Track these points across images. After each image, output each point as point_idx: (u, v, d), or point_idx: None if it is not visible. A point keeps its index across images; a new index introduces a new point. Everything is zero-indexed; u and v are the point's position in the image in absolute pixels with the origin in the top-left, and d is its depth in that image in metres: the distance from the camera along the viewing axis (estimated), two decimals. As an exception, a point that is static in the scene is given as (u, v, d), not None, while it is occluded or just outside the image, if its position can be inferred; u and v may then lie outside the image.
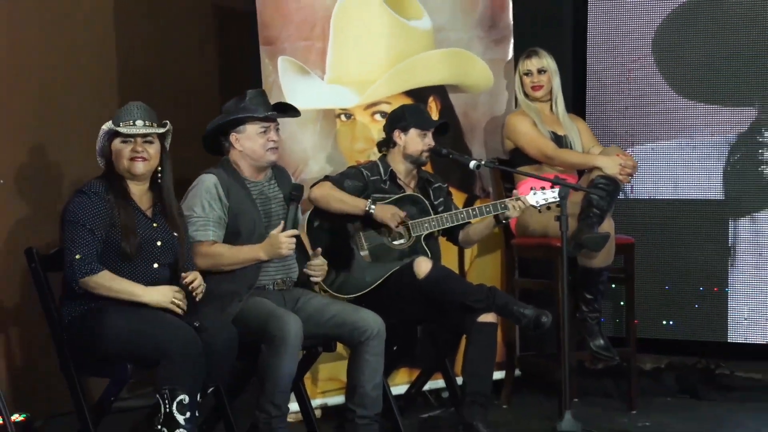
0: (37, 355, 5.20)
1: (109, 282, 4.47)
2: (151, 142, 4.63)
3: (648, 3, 6.67)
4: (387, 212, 5.39)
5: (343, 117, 5.95)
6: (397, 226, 5.42)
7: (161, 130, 4.63)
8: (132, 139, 4.59)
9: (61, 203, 4.65)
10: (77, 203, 4.53)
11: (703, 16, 6.61)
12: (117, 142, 4.60)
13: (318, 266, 5.06)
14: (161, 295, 4.50)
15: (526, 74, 6.11)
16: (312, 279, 5.06)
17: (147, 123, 4.59)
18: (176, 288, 4.53)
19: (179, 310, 4.49)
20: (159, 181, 4.67)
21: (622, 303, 6.25)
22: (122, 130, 4.56)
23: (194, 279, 4.56)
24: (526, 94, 6.12)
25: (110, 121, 4.59)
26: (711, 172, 6.64)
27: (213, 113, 5.14)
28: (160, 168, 4.67)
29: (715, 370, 6.63)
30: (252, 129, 5.01)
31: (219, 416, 4.97)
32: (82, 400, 4.62)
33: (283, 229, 4.87)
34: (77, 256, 4.45)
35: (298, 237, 4.95)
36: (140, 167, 4.60)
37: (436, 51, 6.18)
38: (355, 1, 5.98)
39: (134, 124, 4.57)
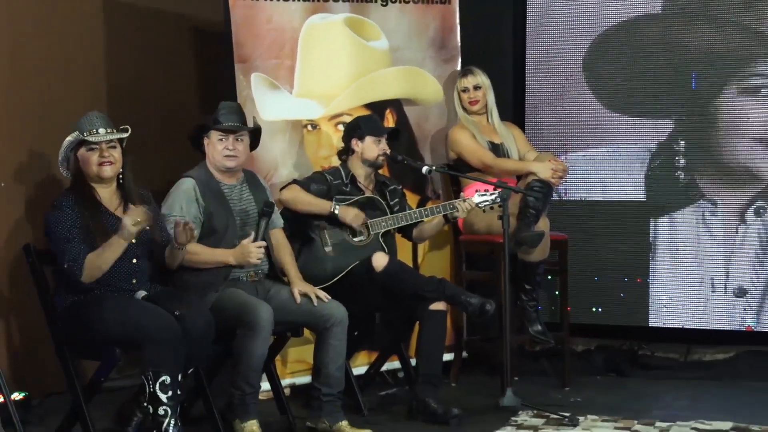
0: (35, 339, 5.16)
1: (98, 260, 4.42)
2: (114, 147, 4.60)
3: (578, 28, 6.70)
4: (350, 214, 5.38)
5: (309, 127, 5.93)
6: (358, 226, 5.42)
7: (123, 135, 4.61)
8: (97, 146, 4.55)
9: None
10: (53, 219, 4.51)
11: (626, 39, 6.64)
12: (83, 151, 4.57)
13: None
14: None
15: (464, 91, 6.11)
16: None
17: (108, 130, 4.56)
18: None
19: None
20: (121, 181, 4.63)
21: (556, 292, 6.27)
22: (90, 138, 4.52)
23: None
24: (464, 109, 6.11)
25: (74, 133, 4.55)
26: (634, 177, 6.68)
27: (191, 123, 5.12)
28: (121, 169, 4.64)
29: (637, 351, 6.66)
30: (214, 136, 5.00)
31: (198, 394, 4.95)
32: (75, 381, 4.60)
33: (254, 240, 4.86)
34: (65, 266, 4.44)
35: (266, 248, 4.96)
36: (108, 171, 4.58)
37: (392, 68, 6.18)
38: (320, 24, 5.97)
39: (98, 132, 4.54)
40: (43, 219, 4.56)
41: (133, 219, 4.39)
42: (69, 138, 4.56)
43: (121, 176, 4.64)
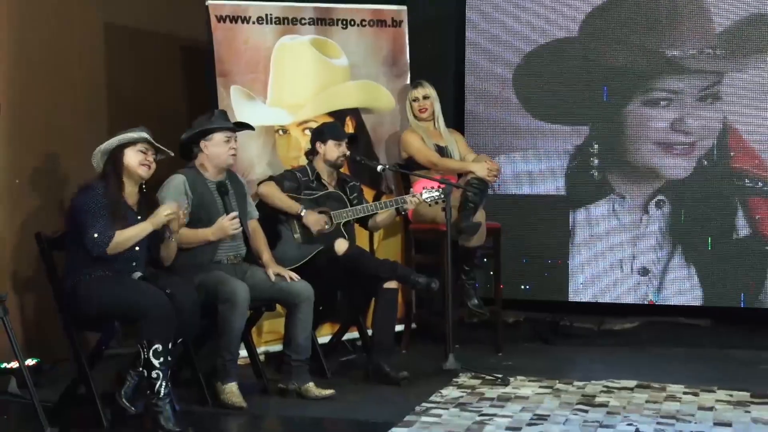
0: (45, 314, 5.13)
1: (123, 236, 4.43)
2: (154, 156, 4.60)
3: (509, 48, 6.73)
4: (312, 219, 5.36)
5: (280, 132, 5.92)
6: (322, 212, 5.40)
7: (170, 153, 4.64)
8: (145, 150, 4.55)
9: (63, 199, 4.60)
10: (85, 195, 4.47)
11: (549, 58, 6.69)
12: (133, 150, 4.53)
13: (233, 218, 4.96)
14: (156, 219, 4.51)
15: (414, 100, 6.12)
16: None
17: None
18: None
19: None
20: (143, 187, 4.63)
21: (491, 272, 6.26)
22: (158, 146, 4.55)
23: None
24: (415, 116, 6.13)
25: (131, 133, 4.53)
26: (556, 175, 6.73)
27: (181, 130, 5.09)
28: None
29: (559, 322, 6.68)
30: (219, 137, 4.96)
31: (186, 361, 4.94)
32: (80, 349, 4.57)
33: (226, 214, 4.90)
34: (95, 235, 4.40)
35: (244, 235, 4.98)
36: (146, 172, 4.57)
37: (351, 82, 6.17)
38: (290, 44, 5.96)
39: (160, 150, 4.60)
40: (73, 200, 4.51)
41: (168, 209, 4.48)
42: (127, 135, 4.53)
43: (143, 183, 4.63)
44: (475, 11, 6.77)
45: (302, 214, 5.35)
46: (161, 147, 4.59)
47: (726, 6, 6.41)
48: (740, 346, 6.16)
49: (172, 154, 4.66)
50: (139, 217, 4.55)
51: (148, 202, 4.62)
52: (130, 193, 4.59)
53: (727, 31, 6.41)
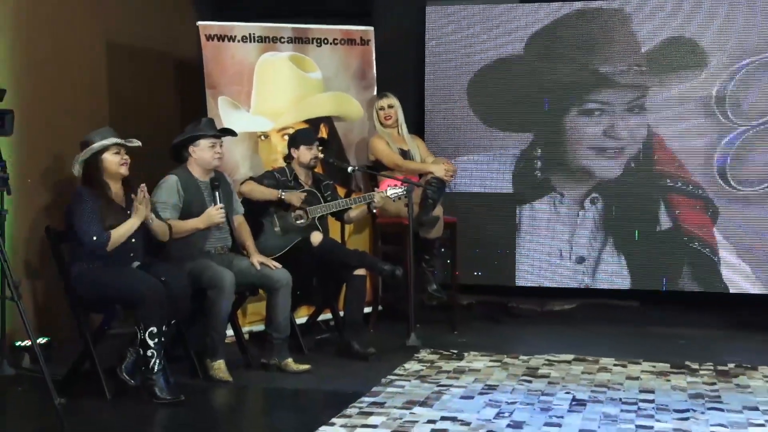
0: (54, 298, 5.09)
1: (117, 234, 4.41)
2: (127, 153, 4.54)
3: (464, 63, 6.74)
4: (293, 196, 5.36)
5: (262, 137, 5.89)
6: (299, 209, 5.39)
7: (140, 144, 4.54)
8: (119, 151, 4.50)
9: (69, 196, 4.57)
10: (77, 201, 4.42)
11: (498, 73, 6.70)
12: (109, 155, 4.48)
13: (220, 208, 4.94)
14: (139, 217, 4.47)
15: (381, 109, 6.11)
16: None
17: (125, 139, 4.52)
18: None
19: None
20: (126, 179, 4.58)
21: (448, 261, 6.28)
22: (128, 144, 4.47)
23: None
24: (381, 123, 6.12)
25: (103, 141, 4.46)
26: (504, 175, 6.74)
27: (175, 135, 5.05)
28: None
29: (507, 304, 6.70)
30: (204, 143, 4.93)
31: (179, 340, 4.91)
32: (86, 330, 4.54)
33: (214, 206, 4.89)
34: (94, 238, 4.37)
35: (230, 228, 4.97)
36: (126, 170, 4.53)
37: (325, 93, 6.15)
38: (270, 60, 5.93)
39: (130, 141, 4.50)
40: (67, 208, 4.47)
41: (145, 205, 4.45)
42: (103, 142, 4.45)
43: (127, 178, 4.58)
44: (433, 32, 6.78)
45: (282, 195, 5.33)
46: (130, 143, 4.51)
47: (650, 29, 6.46)
48: (662, 324, 6.23)
49: (140, 144, 4.58)
50: (128, 212, 4.50)
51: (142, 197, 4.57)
52: (116, 191, 4.55)
53: (651, 51, 6.46)
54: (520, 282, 6.72)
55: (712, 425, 4.06)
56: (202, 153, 4.94)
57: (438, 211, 5.90)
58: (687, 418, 4.15)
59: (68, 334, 5.01)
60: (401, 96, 6.20)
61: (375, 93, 6.31)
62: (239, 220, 5.15)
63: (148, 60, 6.20)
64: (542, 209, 6.67)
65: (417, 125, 6.67)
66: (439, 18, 6.77)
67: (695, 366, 5.08)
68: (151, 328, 4.34)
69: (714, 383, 4.74)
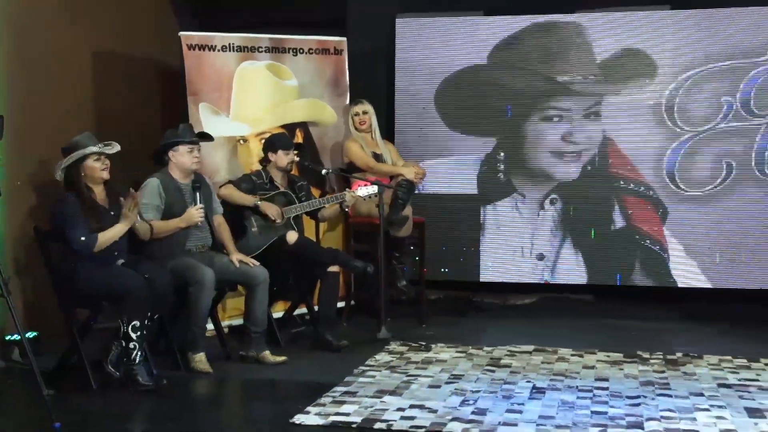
0: (42, 294, 5.04)
1: (104, 238, 4.39)
2: (108, 157, 4.51)
3: (431, 72, 6.75)
4: (269, 209, 5.35)
5: (241, 141, 5.87)
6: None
7: (118, 149, 4.51)
8: (100, 157, 4.47)
9: (55, 197, 4.54)
10: (63, 205, 4.40)
11: (464, 81, 6.70)
12: (90, 161, 4.45)
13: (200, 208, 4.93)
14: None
15: (355, 115, 6.11)
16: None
17: (106, 144, 4.48)
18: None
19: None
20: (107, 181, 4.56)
21: (417, 258, 6.28)
22: (107, 151, 4.44)
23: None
24: (355, 128, 6.12)
25: (84, 150, 4.42)
26: (470, 177, 6.75)
27: (158, 140, 5.03)
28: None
29: (472, 298, 6.72)
30: (183, 148, 4.92)
31: (162, 334, 4.90)
32: (72, 324, 4.52)
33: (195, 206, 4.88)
34: (82, 239, 4.35)
35: (210, 227, 4.95)
36: (107, 174, 4.51)
37: (300, 100, 6.13)
38: (249, 68, 5.91)
39: (109, 145, 4.47)
40: (52, 211, 4.45)
41: (131, 212, 4.44)
42: (84, 151, 4.42)
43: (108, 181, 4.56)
44: (403, 42, 6.79)
45: (258, 203, 5.32)
46: (110, 150, 4.48)
47: (604, 41, 6.51)
48: (616, 316, 6.26)
49: (120, 149, 4.54)
50: (111, 213, 4.49)
51: (118, 193, 4.54)
52: (100, 193, 4.53)
53: (606, 62, 6.50)
54: (484, 278, 6.73)
55: (661, 410, 4.10)
56: (181, 158, 4.92)
57: (407, 211, 5.91)
58: (638, 404, 4.20)
59: (56, 329, 4.96)
60: (373, 102, 6.20)
61: (348, 100, 6.30)
62: (219, 219, 5.14)
63: (132, 68, 6.15)
64: (505, 209, 6.69)
65: (388, 130, 6.67)
66: (408, 29, 6.77)
67: (646, 355, 5.13)
68: (134, 322, 4.33)
69: (663, 371, 4.79)
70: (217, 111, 5.76)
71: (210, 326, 5.11)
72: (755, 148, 6.31)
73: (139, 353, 4.35)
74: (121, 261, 4.54)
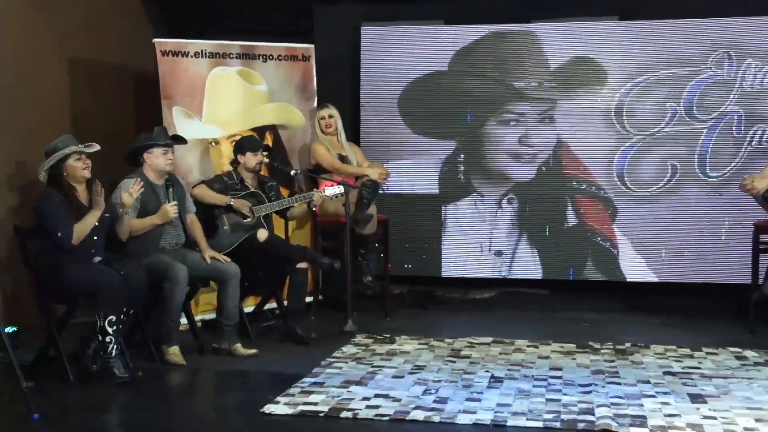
0: (21, 290, 4.99)
1: (80, 228, 4.37)
2: (89, 157, 4.49)
3: (395, 78, 6.72)
4: (241, 204, 5.34)
5: (213, 143, 5.85)
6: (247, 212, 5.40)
7: (98, 148, 4.48)
8: (81, 156, 4.44)
9: (34, 197, 4.50)
10: (45, 202, 4.37)
11: (426, 87, 6.68)
12: (72, 161, 4.44)
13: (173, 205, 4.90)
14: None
15: (322, 119, 6.11)
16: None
17: (86, 144, 4.46)
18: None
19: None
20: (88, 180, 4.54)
21: (381, 254, 6.27)
22: (87, 150, 4.42)
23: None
24: (322, 131, 6.12)
25: (68, 148, 4.40)
26: (431, 178, 6.74)
27: (132, 141, 5.00)
28: None
29: (434, 293, 6.72)
30: (157, 151, 4.90)
31: (138, 328, 4.87)
32: (50, 319, 4.48)
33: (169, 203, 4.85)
34: (60, 234, 4.32)
35: (183, 225, 4.94)
36: (88, 173, 4.49)
37: (270, 104, 6.12)
38: (221, 73, 5.89)
39: (89, 145, 4.44)
40: (35, 206, 4.41)
41: (103, 197, 4.44)
42: (65, 151, 4.40)
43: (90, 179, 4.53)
44: (368, 49, 6.79)
45: (231, 202, 5.31)
46: (90, 149, 4.46)
47: (557, 49, 6.56)
48: (569, 309, 6.31)
49: (99, 148, 4.52)
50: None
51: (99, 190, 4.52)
52: (81, 191, 4.51)
53: (559, 69, 6.55)
54: (446, 273, 6.74)
55: (611, 397, 4.17)
56: (155, 159, 4.90)
57: (372, 210, 5.92)
58: (590, 392, 4.26)
59: (34, 323, 4.92)
60: (339, 107, 6.20)
61: (315, 104, 6.30)
62: (191, 218, 5.12)
63: (107, 73, 6.10)
64: (464, 208, 6.71)
65: (353, 133, 6.67)
66: (373, 37, 6.77)
67: (597, 346, 5.19)
68: (110, 317, 4.31)
69: (613, 360, 4.86)
70: (189, 114, 5.73)
71: (183, 320, 5.08)
72: (697, 151, 6.42)
73: (115, 347, 4.33)
74: (98, 258, 4.51)
